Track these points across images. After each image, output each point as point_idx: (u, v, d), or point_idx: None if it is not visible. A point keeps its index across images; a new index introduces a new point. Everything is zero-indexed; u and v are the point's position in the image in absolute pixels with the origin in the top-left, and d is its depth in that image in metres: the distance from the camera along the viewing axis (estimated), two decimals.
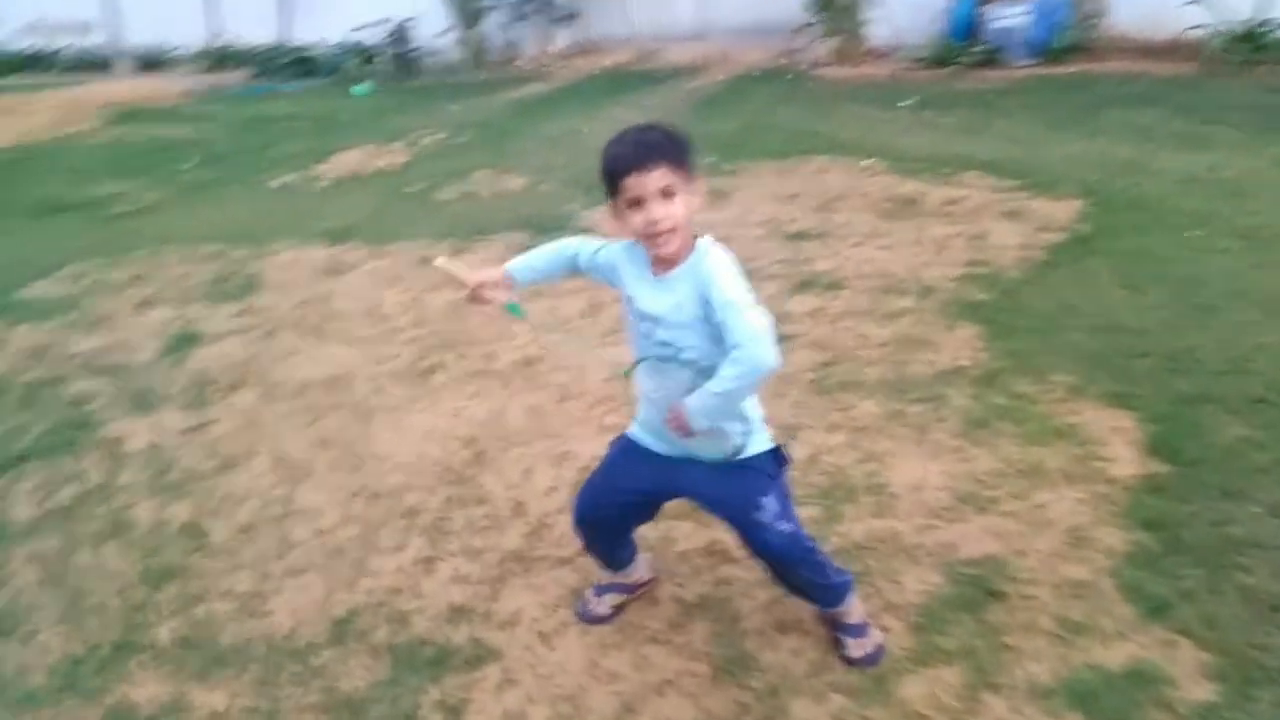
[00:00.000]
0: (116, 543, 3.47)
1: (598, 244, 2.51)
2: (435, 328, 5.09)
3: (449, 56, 15.54)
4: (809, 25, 12.18)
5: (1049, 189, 6.44)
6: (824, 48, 12.12)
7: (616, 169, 2.20)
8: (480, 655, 2.79)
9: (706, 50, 14.11)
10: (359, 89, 13.72)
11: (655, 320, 2.33)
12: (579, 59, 15.07)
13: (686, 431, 2.32)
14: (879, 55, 12.03)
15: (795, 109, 9.86)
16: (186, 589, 3.19)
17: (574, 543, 3.22)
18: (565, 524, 3.33)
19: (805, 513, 3.26)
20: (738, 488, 2.45)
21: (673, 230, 2.21)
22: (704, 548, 3.16)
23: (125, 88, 15.41)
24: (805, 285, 5.21)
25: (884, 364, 4.28)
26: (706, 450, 2.43)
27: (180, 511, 3.64)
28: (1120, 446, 3.52)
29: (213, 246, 6.89)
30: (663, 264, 2.30)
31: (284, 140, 10.78)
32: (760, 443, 2.46)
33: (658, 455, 2.55)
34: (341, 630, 2.94)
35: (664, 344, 2.34)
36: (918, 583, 2.93)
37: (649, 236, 2.22)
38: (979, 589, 2.89)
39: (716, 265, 2.23)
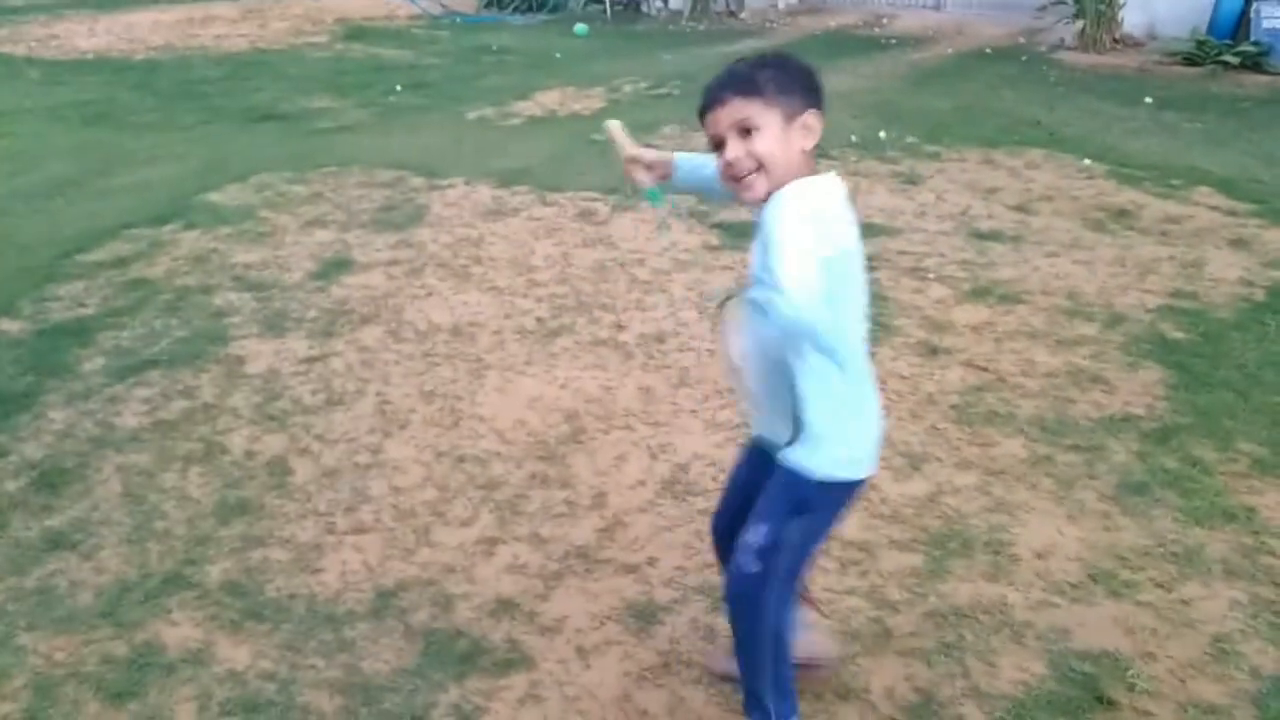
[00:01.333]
0: (203, 468, 3.46)
1: None
2: (577, 287, 4.89)
3: (673, 4, 15.25)
4: (1058, 3, 11.18)
5: None
6: (1070, 30, 11.10)
7: (700, 108, 1.95)
8: (512, 660, 2.59)
9: (941, 20, 13.28)
10: (580, 29, 13.64)
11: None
12: (805, 17, 14.49)
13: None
14: (1130, 44, 10.94)
15: (1021, 93, 9.07)
16: (252, 529, 3.14)
17: (644, 549, 3.00)
18: (642, 525, 3.12)
19: (907, 561, 2.91)
20: (765, 496, 2.07)
21: (755, 172, 1.88)
22: None
23: (364, 4, 15.91)
24: (979, 293, 4.72)
25: (1044, 398, 3.79)
26: (768, 427, 2.08)
27: (273, 444, 3.61)
28: None
29: (393, 172, 6.94)
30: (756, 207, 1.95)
31: (494, 73, 10.83)
32: (819, 463, 1.99)
33: (759, 440, 2.19)
34: (384, 604, 2.80)
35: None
36: (1016, 670, 2.53)
37: (729, 181, 1.92)
38: (1088, 691, 2.47)
39: (783, 203, 1.80)
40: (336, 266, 5.23)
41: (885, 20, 13.67)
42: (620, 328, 4.45)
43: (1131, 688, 2.47)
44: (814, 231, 1.76)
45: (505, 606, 2.78)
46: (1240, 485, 3.24)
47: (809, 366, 1.92)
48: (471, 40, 13.11)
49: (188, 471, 3.44)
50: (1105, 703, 2.43)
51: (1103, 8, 10.68)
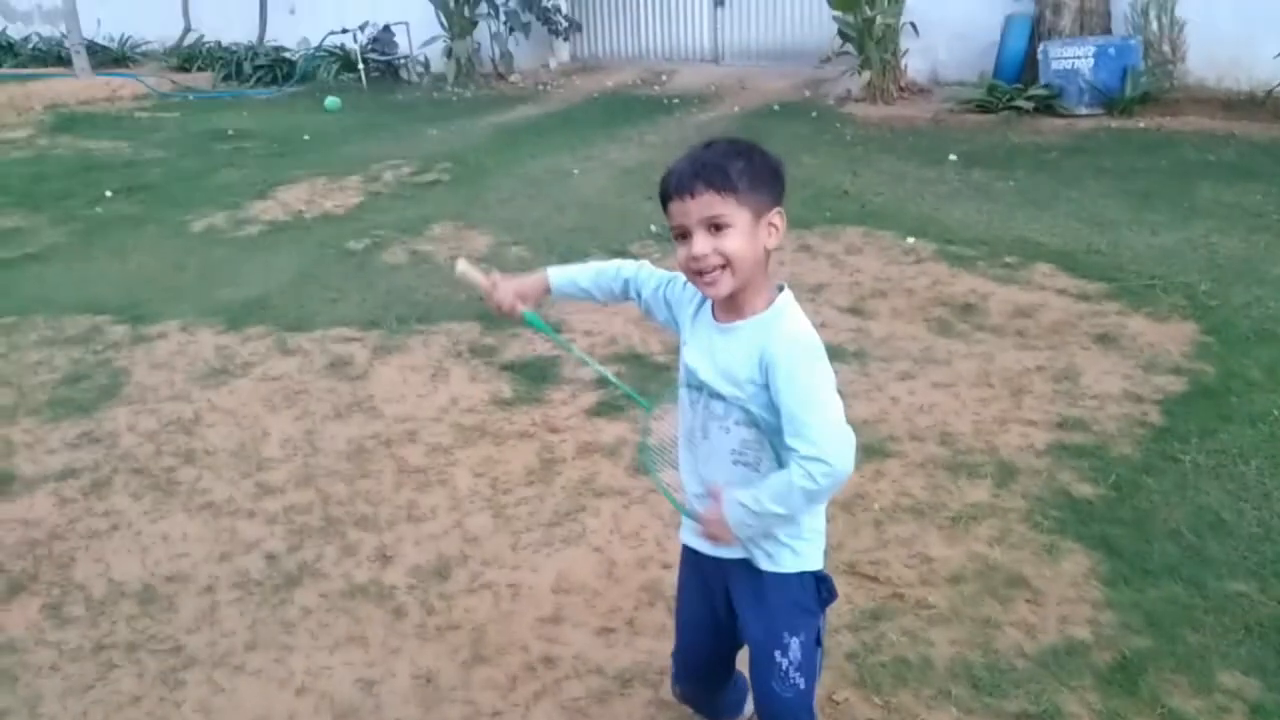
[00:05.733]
0: None
1: (665, 275, 2.10)
2: (325, 490, 3.67)
3: (435, 68, 14.09)
4: (840, 54, 10.69)
5: (1146, 300, 5.00)
6: (855, 81, 10.60)
7: (663, 191, 1.86)
8: None
9: (722, 76, 12.64)
10: (331, 102, 12.27)
11: (702, 382, 1.94)
12: (579, 77, 13.61)
13: (723, 539, 1.92)
14: (915, 92, 10.55)
15: (821, 158, 8.39)
16: None
17: None
18: None
19: None
20: (770, 612, 1.99)
21: (721, 270, 1.81)
22: None
23: (79, 86, 13.93)
24: None
25: (960, 625, 2.85)
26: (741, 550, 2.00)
27: None
28: None
29: (88, 319, 5.50)
30: (728, 310, 1.92)
31: (228, 165, 9.36)
32: (810, 557, 1.99)
33: (705, 558, 2.08)
34: None
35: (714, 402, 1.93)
36: None
37: (691, 275, 1.86)
38: None
39: (791, 337, 1.82)
40: None
41: (664, 76, 12.94)
42: (385, 559, 3.26)
43: None
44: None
45: None
46: None
47: None
48: (204, 123, 11.53)
49: None
50: None
51: (887, 57, 10.23)
